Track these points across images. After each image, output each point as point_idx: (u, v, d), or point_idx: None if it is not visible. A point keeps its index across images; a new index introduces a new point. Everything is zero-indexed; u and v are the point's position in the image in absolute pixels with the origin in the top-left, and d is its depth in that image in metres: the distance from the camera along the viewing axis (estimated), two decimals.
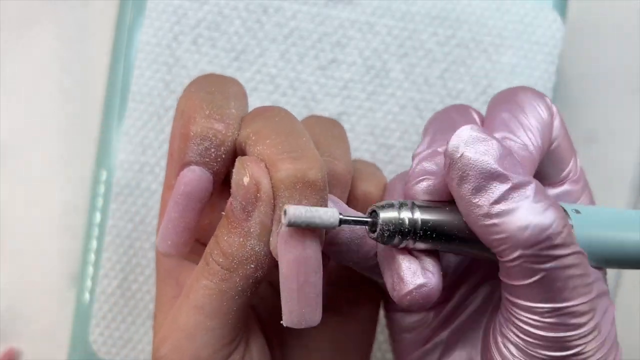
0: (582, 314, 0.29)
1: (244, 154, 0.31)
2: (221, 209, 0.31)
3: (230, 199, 0.30)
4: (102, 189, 0.43)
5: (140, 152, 0.43)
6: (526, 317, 0.29)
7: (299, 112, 0.43)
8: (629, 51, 0.49)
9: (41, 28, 0.47)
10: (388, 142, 0.44)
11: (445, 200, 0.31)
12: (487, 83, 0.44)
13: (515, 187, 0.28)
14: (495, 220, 0.28)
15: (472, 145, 0.28)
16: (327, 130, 0.34)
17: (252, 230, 0.29)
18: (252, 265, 0.30)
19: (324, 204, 0.29)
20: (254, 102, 0.43)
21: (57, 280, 0.47)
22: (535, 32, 0.44)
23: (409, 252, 0.30)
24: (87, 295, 0.43)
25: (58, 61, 0.47)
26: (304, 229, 0.28)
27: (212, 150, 0.31)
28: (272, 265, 0.30)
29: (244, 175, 0.29)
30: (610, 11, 0.49)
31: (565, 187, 0.34)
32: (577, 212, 0.31)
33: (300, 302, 0.29)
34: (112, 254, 0.43)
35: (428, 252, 0.30)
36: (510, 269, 0.28)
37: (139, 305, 0.43)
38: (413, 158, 0.32)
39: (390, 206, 0.29)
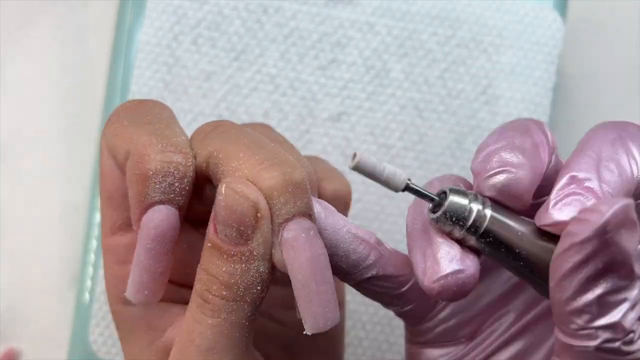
0: None
1: (205, 177, 0.29)
2: (184, 241, 0.30)
3: (214, 228, 0.28)
4: None
5: None
6: None
7: (299, 112, 0.43)
8: (629, 51, 0.49)
9: (41, 28, 0.47)
10: (388, 142, 0.44)
11: (521, 205, 0.28)
12: (487, 83, 0.44)
13: (628, 287, 0.26)
14: (590, 311, 0.26)
15: (625, 229, 0.25)
16: (268, 136, 0.32)
17: (255, 252, 0.27)
18: (259, 287, 0.28)
19: (310, 205, 0.28)
20: (254, 102, 0.43)
21: (57, 280, 0.47)
22: (535, 32, 0.44)
23: (451, 237, 0.28)
24: (87, 296, 0.43)
25: (58, 61, 0.47)
26: (305, 230, 0.27)
27: (176, 184, 0.28)
28: (271, 282, 0.29)
29: (236, 200, 0.27)
30: (610, 11, 0.49)
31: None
32: None
33: (322, 303, 0.27)
34: None
35: (472, 250, 0.28)
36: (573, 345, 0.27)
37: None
38: (478, 152, 0.29)
39: (463, 194, 0.28)
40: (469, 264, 0.28)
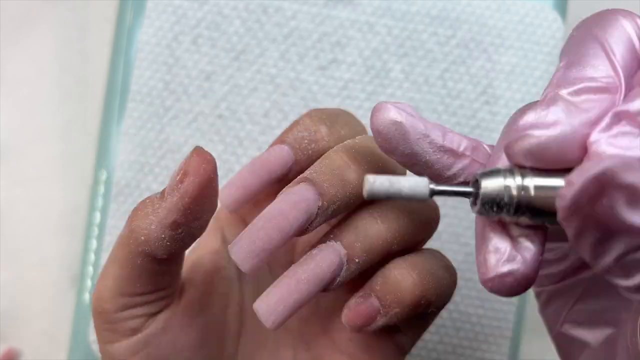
0: None
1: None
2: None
3: None
4: (102, 189, 0.43)
5: (140, 152, 0.43)
6: None
7: (299, 112, 0.43)
8: None
9: (41, 28, 0.47)
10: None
11: (568, 164, 0.25)
12: (487, 83, 0.44)
13: None
14: (616, 273, 0.24)
15: (607, 196, 0.22)
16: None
17: None
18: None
19: None
20: (254, 102, 0.43)
21: (57, 280, 0.47)
22: (535, 32, 0.44)
23: (506, 226, 0.26)
24: (87, 295, 0.43)
25: (58, 61, 0.47)
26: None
27: (306, 142, 0.31)
28: None
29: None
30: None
31: None
32: None
33: (249, 238, 0.28)
34: None
35: (534, 228, 0.26)
36: None
37: None
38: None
39: (496, 173, 0.25)
40: (520, 261, 0.25)
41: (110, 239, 0.43)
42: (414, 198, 0.26)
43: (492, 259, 0.26)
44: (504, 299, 0.44)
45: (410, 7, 0.43)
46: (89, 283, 0.43)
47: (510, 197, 0.25)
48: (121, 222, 0.43)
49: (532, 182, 0.25)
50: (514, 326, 0.44)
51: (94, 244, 0.43)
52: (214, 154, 0.43)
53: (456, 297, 0.44)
